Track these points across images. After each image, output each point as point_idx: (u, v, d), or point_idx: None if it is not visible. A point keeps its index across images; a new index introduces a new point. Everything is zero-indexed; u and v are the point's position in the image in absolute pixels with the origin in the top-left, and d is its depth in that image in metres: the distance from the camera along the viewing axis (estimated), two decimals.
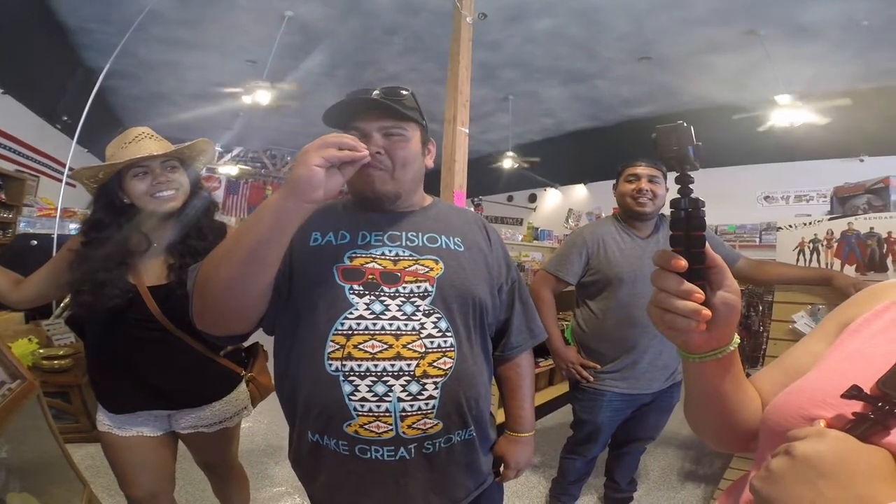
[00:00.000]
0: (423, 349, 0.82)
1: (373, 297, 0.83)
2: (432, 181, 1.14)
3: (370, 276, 0.84)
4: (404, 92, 0.89)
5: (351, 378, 0.79)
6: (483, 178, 7.51)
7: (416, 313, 0.83)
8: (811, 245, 1.80)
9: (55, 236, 3.20)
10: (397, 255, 0.87)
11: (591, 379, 1.74)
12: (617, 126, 6.84)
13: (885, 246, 1.61)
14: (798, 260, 1.83)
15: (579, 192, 8.00)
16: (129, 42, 3.88)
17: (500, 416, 1.08)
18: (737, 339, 0.51)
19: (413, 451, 0.82)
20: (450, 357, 0.84)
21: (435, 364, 0.82)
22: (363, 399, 0.79)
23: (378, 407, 0.79)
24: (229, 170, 8.65)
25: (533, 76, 5.53)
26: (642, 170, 1.69)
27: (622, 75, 5.34)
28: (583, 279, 1.77)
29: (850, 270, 1.68)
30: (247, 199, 9.32)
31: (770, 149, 5.32)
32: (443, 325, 0.84)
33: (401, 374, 0.80)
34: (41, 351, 2.47)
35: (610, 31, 4.41)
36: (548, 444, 2.65)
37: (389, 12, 4.22)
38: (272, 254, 0.72)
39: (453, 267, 0.89)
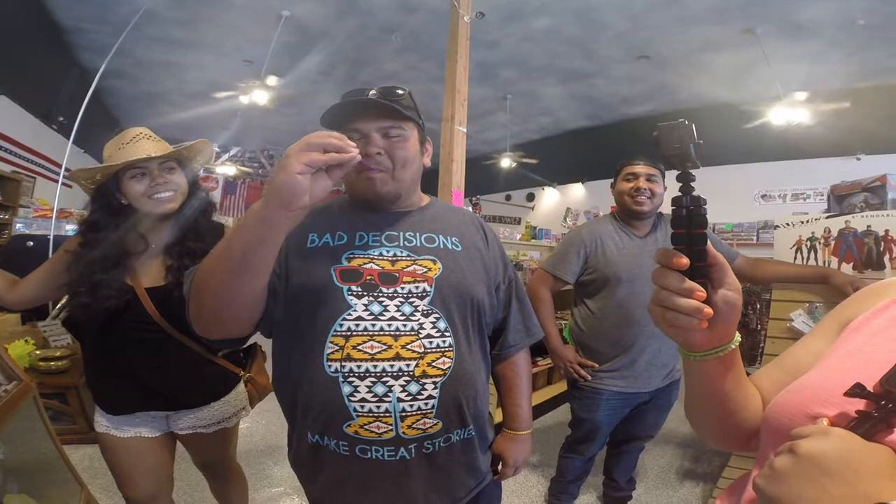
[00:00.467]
0: (422, 349, 0.82)
1: (371, 298, 0.83)
2: (430, 180, 1.14)
3: (368, 277, 0.84)
4: (401, 91, 0.89)
5: (350, 379, 0.79)
6: (481, 178, 7.51)
7: (415, 313, 0.83)
8: (808, 243, 1.80)
9: (51, 237, 3.18)
10: (395, 255, 0.87)
11: (590, 378, 1.74)
12: (615, 125, 6.84)
13: (883, 244, 1.62)
14: (795, 258, 1.83)
15: (577, 190, 8.01)
16: (126, 42, 3.87)
17: (498, 416, 1.08)
18: (738, 337, 0.51)
19: (413, 450, 0.82)
20: (448, 357, 0.84)
21: (434, 364, 0.82)
22: (363, 400, 0.79)
23: (378, 407, 0.79)
24: (227, 170, 8.63)
25: (531, 75, 5.52)
26: (640, 168, 1.69)
27: (620, 74, 5.34)
28: (581, 278, 1.77)
29: (847, 268, 1.69)
30: (244, 200, 9.30)
31: (767, 147, 5.34)
32: (441, 325, 0.84)
33: (400, 374, 0.80)
34: (38, 352, 2.46)
35: (607, 30, 4.42)
36: (546, 444, 2.65)
37: (386, 11, 4.22)
38: (261, 262, 0.71)
39: (451, 267, 0.89)
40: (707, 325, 0.47)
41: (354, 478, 0.83)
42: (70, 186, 4.93)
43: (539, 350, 2.86)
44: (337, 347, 0.80)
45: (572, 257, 1.75)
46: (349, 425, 0.80)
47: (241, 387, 1.36)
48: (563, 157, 7.59)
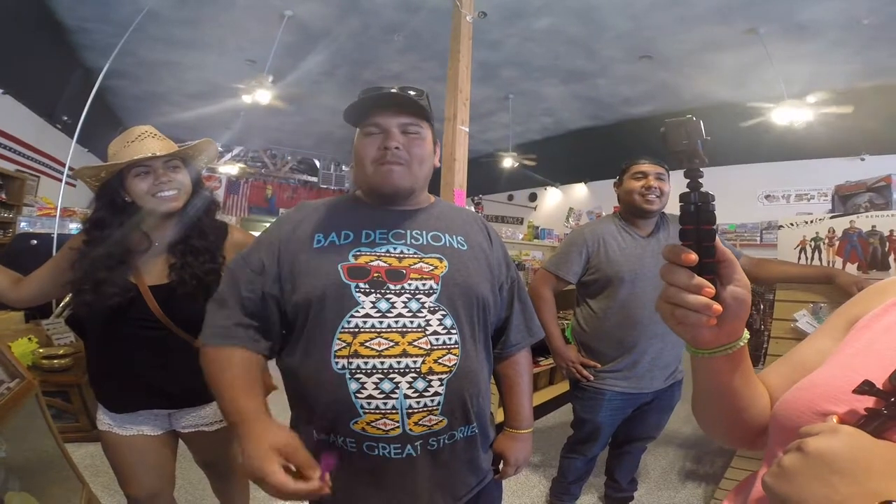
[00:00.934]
0: (429, 346, 0.82)
1: (379, 295, 0.83)
2: (432, 180, 1.15)
3: (376, 274, 0.84)
4: (412, 92, 0.92)
5: (357, 376, 0.79)
6: (483, 177, 7.51)
7: (422, 310, 0.83)
8: (812, 243, 1.80)
9: (55, 236, 3.20)
10: (402, 252, 0.88)
11: (592, 378, 1.73)
12: (617, 125, 6.83)
13: (888, 244, 1.61)
14: (799, 258, 1.82)
15: (580, 190, 7.99)
16: (129, 42, 3.89)
17: (499, 416, 1.08)
18: (746, 334, 0.51)
19: (419, 447, 0.82)
20: (454, 354, 0.84)
21: (440, 361, 0.82)
22: (370, 396, 0.79)
23: (385, 404, 0.79)
24: (230, 169, 8.66)
25: (533, 75, 5.52)
26: (650, 167, 1.68)
27: (622, 74, 5.33)
28: (583, 278, 1.77)
29: (851, 269, 1.68)
30: (247, 199, 9.31)
31: (771, 147, 5.32)
32: (448, 322, 0.85)
33: (407, 371, 0.80)
34: (41, 350, 2.47)
35: (609, 30, 4.41)
36: (548, 444, 2.64)
37: (389, 11, 4.22)
38: None
39: (457, 265, 0.89)
40: (716, 322, 0.46)
41: (362, 475, 0.83)
42: (74, 185, 4.96)
43: (541, 350, 2.85)
44: (344, 344, 0.80)
45: (574, 257, 1.75)
46: (356, 422, 0.80)
47: None
48: (565, 158, 7.58)
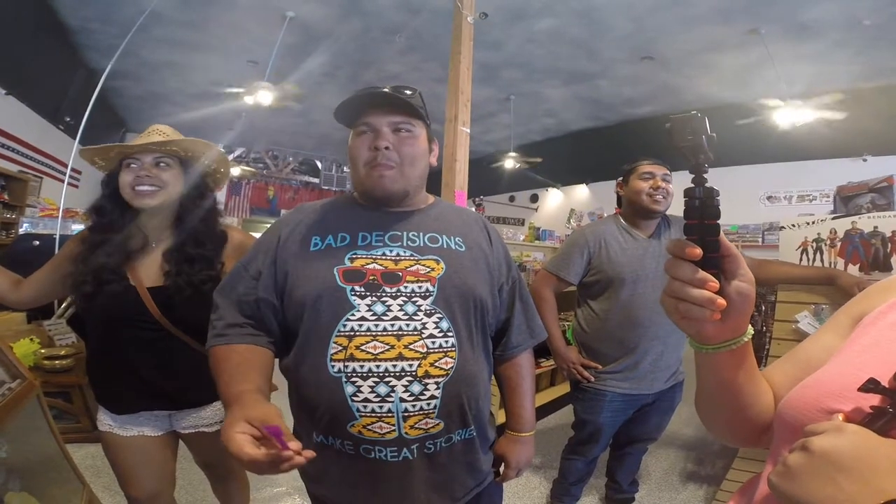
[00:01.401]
0: (425, 349, 0.82)
1: (374, 298, 0.83)
2: (433, 181, 1.15)
3: (371, 277, 0.84)
4: (408, 91, 0.91)
5: (353, 379, 0.79)
6: (485, 179, 7.50)
7: (418, 313, 0.83)
8: (814, 244, 1.79)
9: (57, 237, 3.20)
10: (398, 255, 0.87)
11: (593, 379, 1.73)
12: (619, 126, 6.82)
13: (890, 245, 1.60)
14: (801, 260, 1.81)
15: (581, 192, 7.98)
16: (131, 42, 3.89)
17: (501, 417, 1.07)
18: (751, 330, 0.51)
19: (415, 451, 0.82)
20: (451, 357, 0.84)
21: (437, 364, 0.82)
22: (366, 400, 0.79)
23: (381, 407, 0.79)
24: (232, 170, 8.65)
25: (534, 76, 5.52)
26: (657, 168, 1.68)
27: (624, 75, 5.33)
28: (584, 279, 1.77)
29: (853, 270, 1.67)
30: (249, 200, 9.31)
31: (772, 148, 5.30)
32: (444, 325, 0.84)
33: (403, 374, 0.80)
34: (43, 351, 2.47)
35: (611, 31, 4.40)
36: (549, 445, 2.64)
37: (390, 12, 4.22)
38: None
39: (454, 267, 0.89)
40: (720, 317, 0.46)
41: (359, 477, 0.83)
42: (76, 186, 4.96)
43: (542, 351, 2.85)
44: (340, 348, 0.80)
45: (576, 258, 1.74)
46: (353, 425, 0.80)
47: None
48: (566, 159, 7.57)
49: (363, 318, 0.81)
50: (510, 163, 6.81)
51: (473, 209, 5.14)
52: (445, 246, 0.91)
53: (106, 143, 1.21)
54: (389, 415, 0.79)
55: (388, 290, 0.84)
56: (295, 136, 8.36)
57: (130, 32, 3.79)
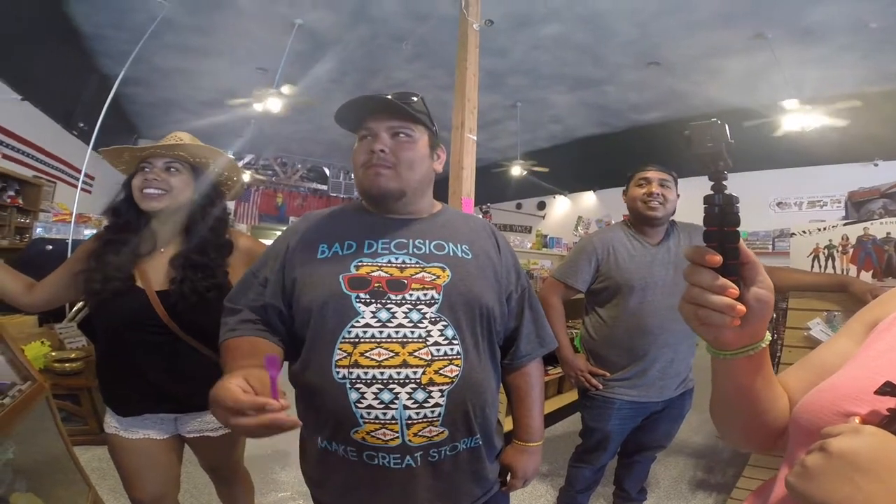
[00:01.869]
0: (430, 357, 0.81)
1: (379, 305, 0.83)
2: (440, 188, 1.15)
3: (376, 285, 0.84)
4: (414, 98, 0.92)
5: (357, 386, 0.79)
6: (491, 186, 7.51)
7: (423, 321, 0.83)
8: (826, 251, 1.77)
9: (70, 241, 3.25)
10: (404, 262, 0.88)
11: (600, 387, 1.71)
12: (626, 132, 6.80)
13: None
14: (813, 266, 1.79)
15: (588, 199, 7.96)
16: (143, 49, 3.96)
17: (508, 424, 1.06)
18: (768, 336, 0.51)
19: (419, 458, 0.81)
20: (456, 365, 0.83)
21: (441, 372, 0.82)
22: (369, 406, 0.79)
23: (384, 414, 0.79)
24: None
25: (540, 83, 5.53)
26: (653, 174, 1.67)
27: (630, 81, 5.32)
28: (592, 286, 1.75)
29: (866, 276, 1.65)
30: (258, 207, 9.39)
31: (782, 154, 5.25)
32: (449, 332, 0.84)
33: (407, 381, 0.80)
34: (53, 354, 2.50)
35: (617, 37, 4.41)
36: (556, 453, 2.61)
37: (397, 19, 4.26)
38: None
39: (460, 274, 0.89)
40: (739, 323, 0.47)
41: (362, 483, 0.83)
42: (89, 192, 5.04)
43: (550, 359, 2.82)
44: (345, 354, 0.81)
45: (584, 265, 1.73)
46: (356, 431, 0.80)
47: None
48: (573, 166, 7.55)
49: (368, 325, 0.82)
50: (517, 170, 6.82)
51: (480, 216, 5.14)
52: (451, 253, 0.91)
53: None
54: (393, 422, 0.79)
55: (393, 297, 0.84)
56: (304, 143, 8.44)
57: (143, 38, 3.86)
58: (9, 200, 4.31)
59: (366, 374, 0.79)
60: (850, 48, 4.17)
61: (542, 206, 8.77)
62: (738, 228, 0.46)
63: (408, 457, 0.81)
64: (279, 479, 2.31)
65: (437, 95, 5.24)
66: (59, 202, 4.96)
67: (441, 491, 0.84)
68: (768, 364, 0.54)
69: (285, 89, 4.43)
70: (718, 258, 0.45)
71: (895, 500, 0.35)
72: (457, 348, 0.84)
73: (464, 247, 0.93)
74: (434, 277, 0.87)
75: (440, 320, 0.84)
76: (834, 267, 1.74)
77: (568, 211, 8.25)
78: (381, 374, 0.79)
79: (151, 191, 1.17)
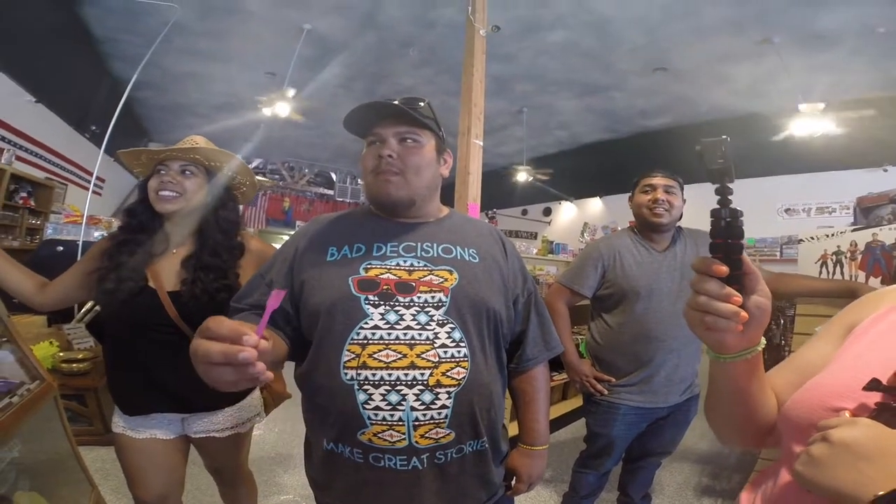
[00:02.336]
0: (437, 359, 0.82)
1: (388, 308, 0.84)
2: (446, 193, 1.16)
3: (385, 287, 0.85)
4: (421, 103, 0.94)
5: (365, 387, 0.80)
6: (497, 192, 7.51)
7: (430, 323, 0.84)
8: (834, 257, 1.75)
9: (80, 243, 3.29)
10: (412, 265, 0.89)
11: (606, 392, 1.70)
12: (633, 138, 6.79)
13: None
14: (821, 273, 1.78)
15: (594, 205, 7.94)
16: (155, 53, 4.02)
17: (513, 430, 1.06)
18: (763, 340, 0.56)
19: (425, 460, 0.81)
20: (463, 367, 0.84)
21: (448, 374, 0.82)
22: (377, 408, 0.79)
23: (391, 416, 0.79)
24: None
25: (547, 88, 5.54)
26: (658, 180, 1.67)
27: (637, 87, 5.32)
28: (598, 292, 1.75)
29: (875, 283, 1.63)
30: (265, 211, 9.46)
31: (790, 160, 5.22)
32: (456, 335, 0.84)
33: (414, 383, 0.80)
34: (61, 354, 2.53)
35: (624, 43, 4.41)
36: (560, 458, 2.60)
37: (405, 25, 4.30)
38: None
39: (468, 278, 0.89)
40: (742, 328, 0.51)
41: (368, 486, 0.83)
42: (100, 194, 5.09)
43: (555, 364, 2.81)
44: (353, 355, 0.81)
45: (590, 271, 1.73)
46: (363, 433, 0.80)
47: (256, 393, 1.38)
48: (580, 172, 7.55)
49: (376, 327, 0.82)
50: (523, 176, 6.82)
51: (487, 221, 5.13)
52: (459, 257, 0.92)
53: None
54: (400, 423, 0.79)
55: (401, 299, 0.84)
56: (311, 148, 8.50)
57: (155, 43, 3.91)
58: (21, 202, 4.37)
59: (374, 375, 0.80)
60: (858, 53, 4.15)
61: (547, 212, 8.76)
62: (742, 241, 0.49)
63: (414, 458, 0.81)
64: (282, 481, 2.31)
65: (443, 101, 5.29)
66: (71, 204, 5.03)
67: (446, 494, 0.84)
68: (762, 367, 0.58)
69: (291, 93, 4.48)
70: (725, 269, 0.48)
71: (894, 483, 0.38)
72: (464, 350, 0.84)
73: (471, 250, 0.94)
74: (442, 280, 0.87)
75: (447, 323, 0.84)
76: (842, 273, 1.72)
77: (574, 217, 8.23)
78: (389, 375, 0.80)
79: (167, 193, 1.19)
